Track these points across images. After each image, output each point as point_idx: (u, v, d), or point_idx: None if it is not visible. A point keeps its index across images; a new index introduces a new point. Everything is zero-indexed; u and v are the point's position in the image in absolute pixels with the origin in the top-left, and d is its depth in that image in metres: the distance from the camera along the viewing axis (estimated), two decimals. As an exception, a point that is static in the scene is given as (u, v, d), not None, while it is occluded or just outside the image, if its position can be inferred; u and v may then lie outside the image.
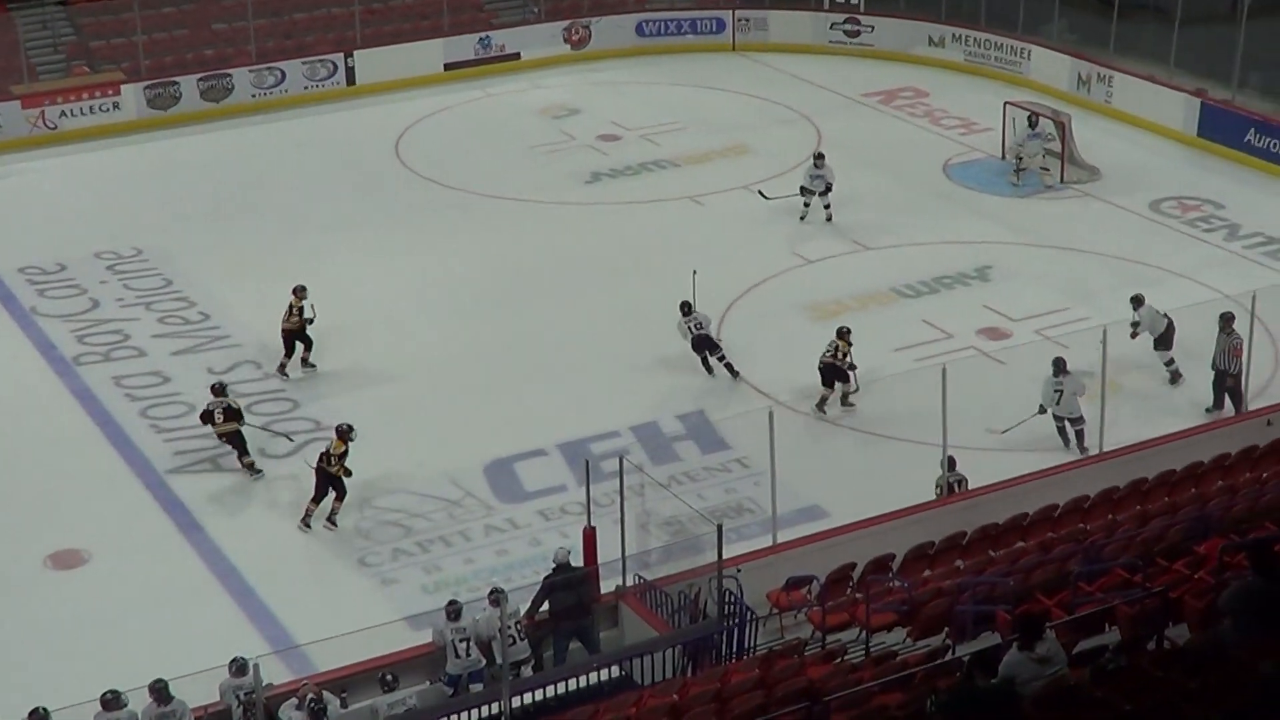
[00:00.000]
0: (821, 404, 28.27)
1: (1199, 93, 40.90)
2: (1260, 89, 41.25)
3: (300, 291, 30.20)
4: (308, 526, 25.59)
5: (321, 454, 25.69)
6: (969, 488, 24.18)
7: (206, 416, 27.29)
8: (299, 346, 30.18)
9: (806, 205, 36.46)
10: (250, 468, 27.32)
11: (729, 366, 29.78)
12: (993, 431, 26.98)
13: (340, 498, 25.71)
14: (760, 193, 37.24)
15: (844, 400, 28.40)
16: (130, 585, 24.38)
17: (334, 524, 25.65)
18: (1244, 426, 25.66)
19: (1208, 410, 27.67)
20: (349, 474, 25.62)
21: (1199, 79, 41.66)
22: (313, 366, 30.41)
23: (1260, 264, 33.75)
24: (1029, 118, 38.65)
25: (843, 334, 28.58)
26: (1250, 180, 38.34)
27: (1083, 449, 26.63)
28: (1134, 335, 29.05)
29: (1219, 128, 39.74)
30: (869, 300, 32.55)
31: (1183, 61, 42.20)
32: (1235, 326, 27.46)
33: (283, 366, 30.22)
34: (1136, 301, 29.15)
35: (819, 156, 36.77)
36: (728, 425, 27.21)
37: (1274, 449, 24.24)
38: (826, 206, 36.35)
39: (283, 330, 30.19)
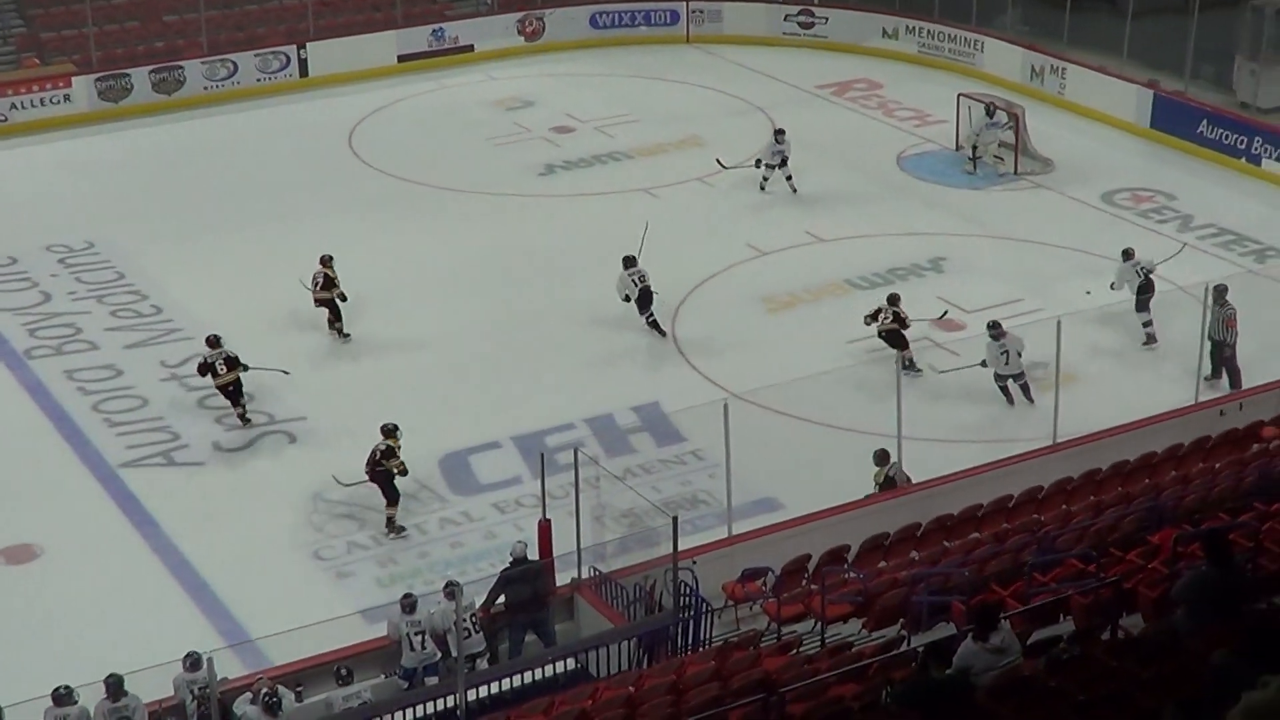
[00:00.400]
0: (909, 364, 28.47)
1: (1151, 84, 41.05)
2: (1212, 81, 41.41)
3: (326, 261, 31.04)
4: (401, 531, 25.42)
5: (370, 456, 25.51)
6: (910, 480, 24.26)
7: (206, 369, 27.84)
8: (340, 310, 31.05)
9: (766, 179, 37.30)
10: (243, 418, 27.90)
11: (655, 325, 30.52)
12: (936, 370, 28.40)
13: (392, 503, 25.60)
14: (718, 161, 38.00)
15: (909, 364, 28.46)
16: (83, 580, 24.26)
17: (392, 528, 25.51)
18: (1197, 417, 25.78)
19: (1206, 379, 27.85)
20: (405, 472, 25.51)
21: (1151, 70, 41.80)
22: (346, 336, 31.17)
23: (1213, 255, 33.87)
24: (986, 107, 38.78)
25: (893, 300, 29.26)
26: (1203, 172, 38.48)
27: (1030, 399, 27.61)
28: (1113, 287, 30.12)
29: (1171, 119, 39.87)
30: (823, 292, 32.57)
31: (1135, 53, 42.35)
32: (1229, 299, 27.85)
33: (339, 330, 31.06)
34: (1125, 255, 30.27)
35: (779, 132, 37.61)
36: (683, 417, 27.20)
37: (1227, 439, 24.37)
38: (789, 178, 37.25)
39: (315, 301, 30.90)
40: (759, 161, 37.56)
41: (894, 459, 24.41)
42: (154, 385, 29.51)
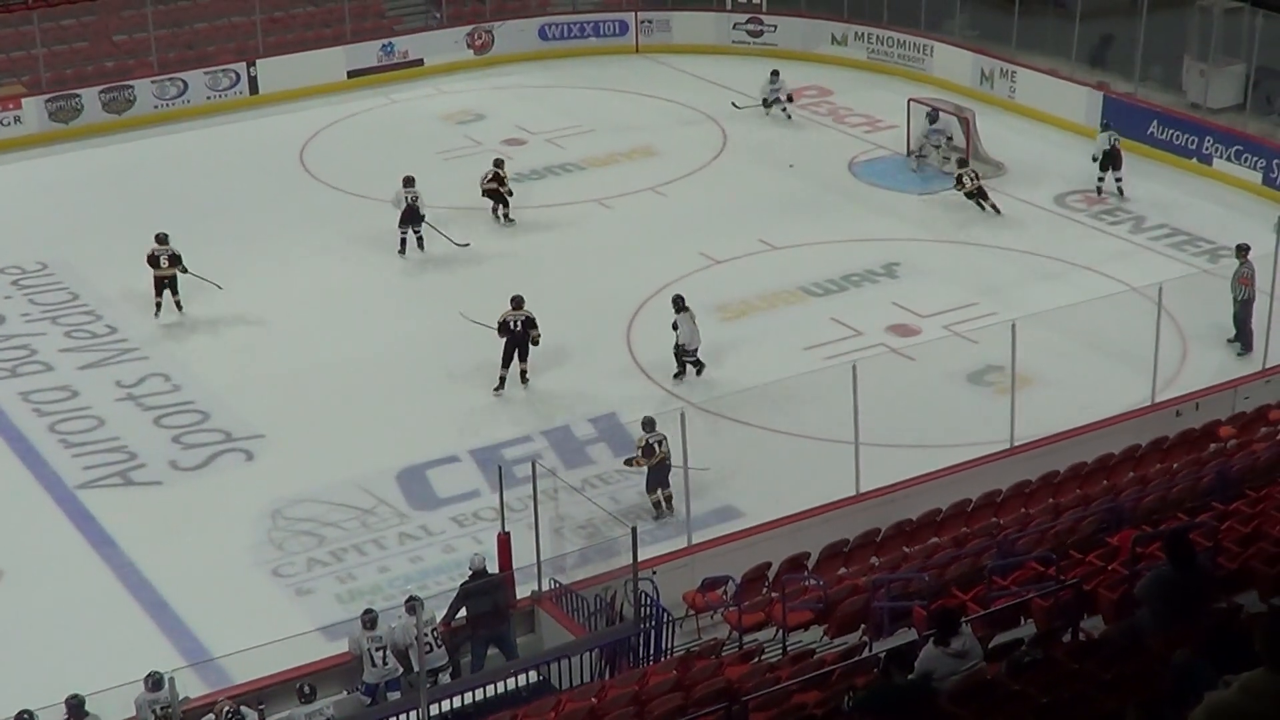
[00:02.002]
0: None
1: (1101, 86, 41.22)
2: (1161, 82, 41.59)
3: (499, 162, 36.43)
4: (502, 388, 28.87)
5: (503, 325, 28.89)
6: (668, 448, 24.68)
7: (152, 260, 31.47)
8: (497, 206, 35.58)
9: (768, 113, 42.65)
10: (179, 306, 31.64)
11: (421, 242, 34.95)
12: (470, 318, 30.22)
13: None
14: (733, 104, 42.96)
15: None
16: (43, 601, 24.18)
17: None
18: (1154, 418, 25.92)
19: (1229, 341, 29.31)
20: (538, 341, 29.17)
21: (1100, 73, 41.96)
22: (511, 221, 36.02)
23: (1166, 255, 34.03)
24: (928, 113, 38.98)
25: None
26: (1153, 173, 38.62)
27: (699, 372, 29.49)
28: (1094, 158, 36.73)
29: (1121, 120, 40.01)
30: (777, 299, 32.62)
31: (1084, 56, 42.53)
32: (1250, 257, 28.96)
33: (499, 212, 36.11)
34: (1103, 127, 36.70)
35: (774, 73, 42.91)
36: (640, 427, 27.22)
37: (1184, 440, 24.49)
38: (784, 110, 42.51)
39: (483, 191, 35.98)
40: (765, 101, 42.53)
41: (658, 428, 24.89)
42: (110, 405, 29.42)
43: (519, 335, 29.21)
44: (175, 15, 46.68)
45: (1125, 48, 41.48)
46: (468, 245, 34.69)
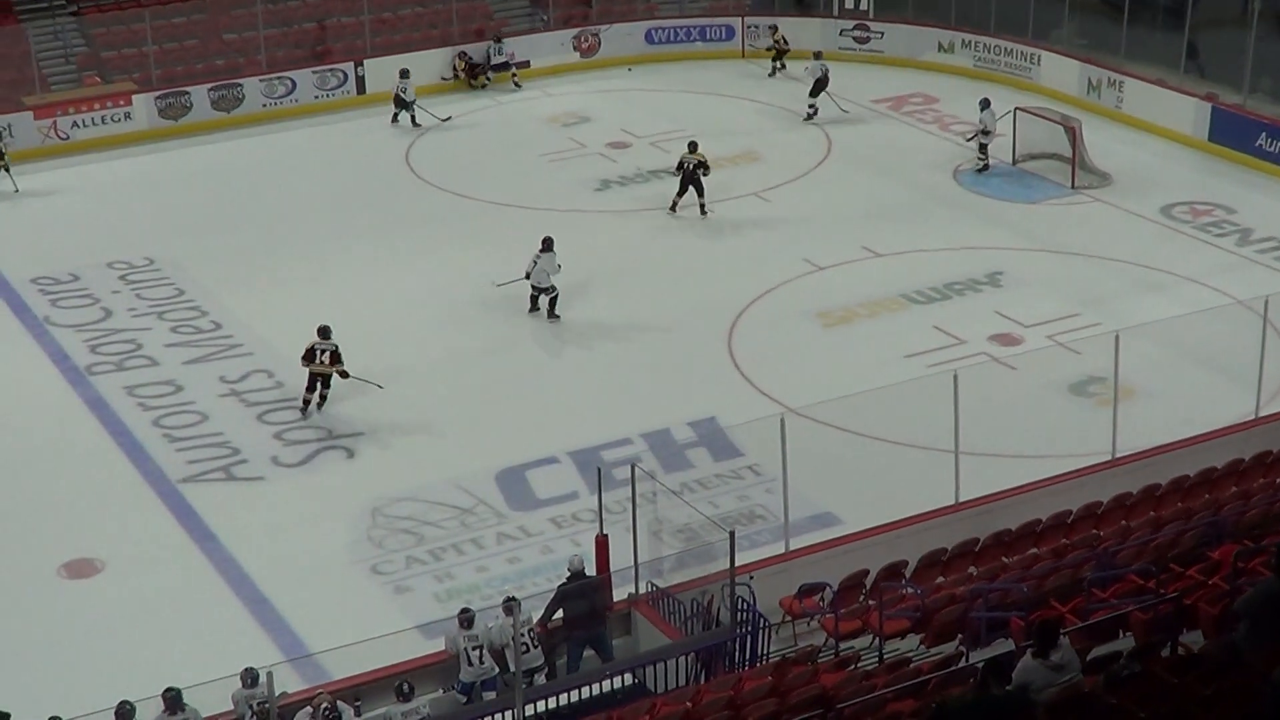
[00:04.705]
0: None
1: (1209, 97, 40.88)
2: (1270, 94, 41.21)
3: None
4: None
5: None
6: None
7: (309, 355, 28.94)
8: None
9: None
10: (306, 405, 29.13)
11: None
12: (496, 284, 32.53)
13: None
14: (841, 109, 44.01)
15: None
16: (144, 594, 24.39)
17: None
18: (1258, 432, 25.65)
19: None
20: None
21: (1209, 84, 41.63)
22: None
23: (1272, 268, 33.71)
24: (980, 101, 39.71)
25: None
26: (1261, 185, 38.31)
27: (552, 317, 32.17)
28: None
29: (1230, 132, 39.71)
30: (880, 307, 32.53)
31: (1193, 66, 42.18)
32: None
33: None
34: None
35: (816, 54, 44.85)
36: (739, 432, 27.18)
37: (1288, 454, 24.24)
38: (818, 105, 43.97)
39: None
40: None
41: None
42: (213, 400, 29.66)
43: (691, 174, 35.81)
44: (285, 15, 47.01)
45: (1234, 59, 41.08)
46: (449, 119, 43.34)
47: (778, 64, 47.75)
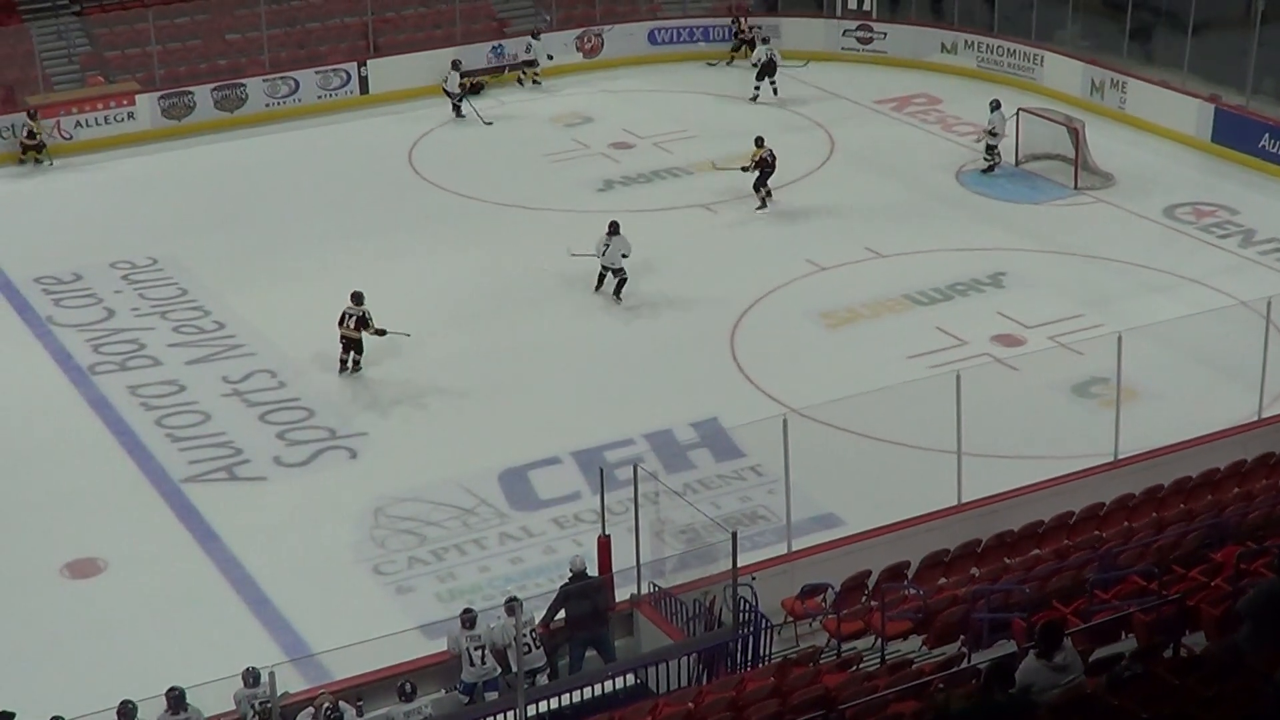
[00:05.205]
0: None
1: (1213, 98, 40.87)
2: (1274, 94, 41.19)
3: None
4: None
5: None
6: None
7: (342, 319, 30.17)
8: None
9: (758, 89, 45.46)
10: (344, 364, 30.35)
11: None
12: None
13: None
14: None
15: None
16: (146, 594, 24.40)
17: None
18: (1262, 433, 25.64)
19: None
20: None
21: (1212, 85, 41.62)
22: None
23: (1275, 270, 33.69)
24: (991, 101, 39.64)
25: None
26: (1264, 186, 38.31)
27: (617, 297, 33.06)
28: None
29: (1233, 133, 39.72)
30: (882, 307, 32.53)
31: (1196, 67, 42.18)
32: None
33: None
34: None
35: (764, 40, 46.34)
36: (742, 433, 27.18)
37: (1290, 456, 24.23)
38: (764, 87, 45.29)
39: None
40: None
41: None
42: (216, 400, 29.68)
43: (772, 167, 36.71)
44: (288, 15, 47.03)
45: (1238, 59, 41.05)
46: (490, 124, 42.99)
47: (736, 53, 48.80)
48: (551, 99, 45.93)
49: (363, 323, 30.06)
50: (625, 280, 32.94)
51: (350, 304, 30.15)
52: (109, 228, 37.60)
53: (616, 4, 50.11)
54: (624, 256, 32.79)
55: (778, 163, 37.04)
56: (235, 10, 46.55)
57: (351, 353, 30.25)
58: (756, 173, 37.07)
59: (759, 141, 37.28)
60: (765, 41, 45.87)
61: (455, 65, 44.36)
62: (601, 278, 33.16)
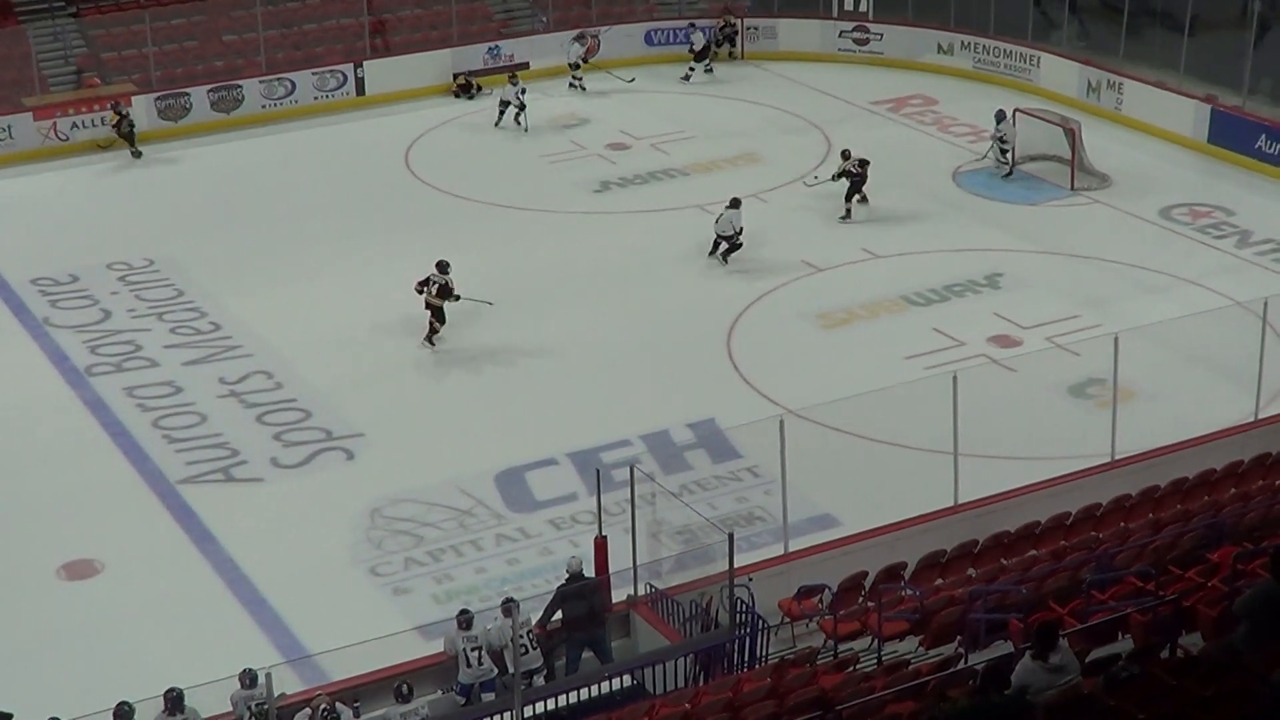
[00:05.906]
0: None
1: (1209, 99, 40.87)
2: (1270, 95, 41.21)
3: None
4: None
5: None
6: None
7: (422, 284, 31.05)
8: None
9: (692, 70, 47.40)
10: (431, 334, 31.17)
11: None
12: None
13: None
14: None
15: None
16: (143, 595, 24.40)
17: None
18: (1258, 433, 25.66)
19: None
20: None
21: (1209, 85, 41.63)
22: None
23: (1271, 270, 33.72)
24: (996, 112, 39.48)
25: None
26: (1261, 186, 38.33)
27: (725, 261, 34.63)
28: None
29: (1229, 134, 39.73)
30: (879, 308, 32.53)
31: (1192, 68, 42.19)
32: None
33: None
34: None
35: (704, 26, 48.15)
36: (739, 434, 27.18)
37: (1287, 456, 24.23)
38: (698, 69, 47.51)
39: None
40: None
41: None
42: (212, 402, 29.67)
43: (860, 178, 36.87)
44: (284, 16, 47.01)
45: (1234, 60, 41.07)
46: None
47: (720, 49, 49.04)
48: (548, 100, 45.87)
49: (445, 290, 30.83)
50: (737, 247, 34.52)
51: (435, 271, 30.96)
52: (105, 229, 37.57)
53: (613, 5, 50.09)
54: (734, 227, 34.36)
55: (868, 170, 37.27)
56: (232, 11, 46.54)
57: (433, 321, 31.09)
58: (847, 183, 36.99)
59: (845, 154, 37.41)
60: (706, 28, 48.03)
61: (513, 79, 44.06)
62: (716, 244, 34.50)
